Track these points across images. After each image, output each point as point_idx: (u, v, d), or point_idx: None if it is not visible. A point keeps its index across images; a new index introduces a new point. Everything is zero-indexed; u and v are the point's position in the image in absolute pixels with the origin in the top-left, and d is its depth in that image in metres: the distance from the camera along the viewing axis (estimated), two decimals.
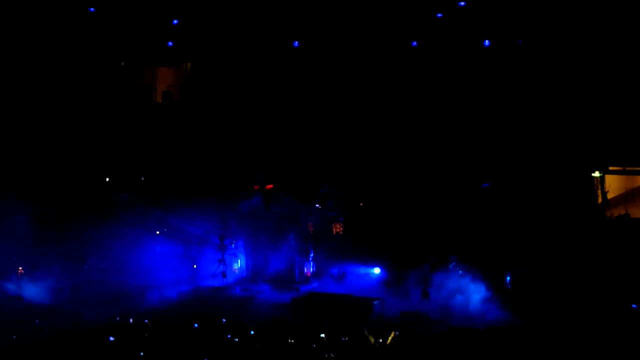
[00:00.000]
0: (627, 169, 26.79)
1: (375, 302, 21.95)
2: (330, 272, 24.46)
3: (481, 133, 26.04)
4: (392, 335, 18.82)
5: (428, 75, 27.07)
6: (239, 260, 24.52)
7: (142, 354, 17.25)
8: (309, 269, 24.34)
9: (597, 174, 25.63)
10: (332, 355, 16.95)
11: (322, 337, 18.28)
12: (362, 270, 24.91)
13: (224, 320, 20.01)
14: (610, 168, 26.21)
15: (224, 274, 23.42)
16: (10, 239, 24.96)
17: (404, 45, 27.10)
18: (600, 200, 25.46)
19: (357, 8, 26.78)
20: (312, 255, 24.40)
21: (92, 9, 27.86)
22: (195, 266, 25.19)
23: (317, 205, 26.76)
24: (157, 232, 26.61)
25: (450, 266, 22.96)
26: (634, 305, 20.18)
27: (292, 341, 17.83)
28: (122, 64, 29.61)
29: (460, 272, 22.80)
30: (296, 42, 27.66)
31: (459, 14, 26.31)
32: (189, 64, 29.58)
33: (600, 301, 20.77)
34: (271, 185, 24.29)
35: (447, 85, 26.66)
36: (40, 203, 26.89)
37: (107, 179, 26.77)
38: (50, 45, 27.85)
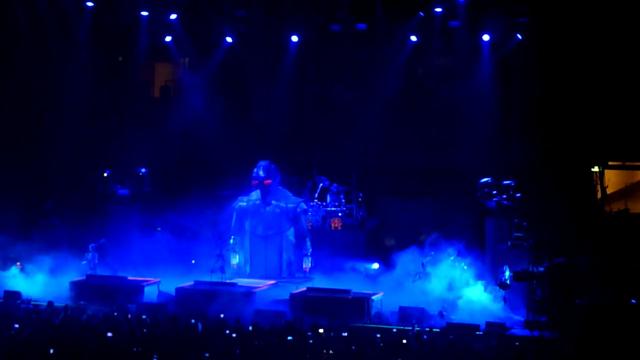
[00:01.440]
0: (626, 163, 26.80)
1: (373, 298, 21.92)
2: (327, 267, 24.51)
3: (479, 128, 26.06)
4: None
5: (426, 71, 27.10)
6: (237, 256, 24.49)
7: (140, 349, 17.17)
8: (307, 264, 24.33)
9: (596, 168, 25.60)
10: (330, 351, 16.90)
11: (321, 333, 18.22)
12: (361, 265, 24.91)
13: (222, 315, 19.96)
14: (610, 163, 26.19)
15: (222, 270, 23.38)
16: (7, 234, 24.95)
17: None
18: (599, 195, 25.42)
19: None
20: (310, 250, 24.38)
21: (89, 3, 27.85)
22: (193, 261, 25.19)
23: (316, 200, 26.75)
24: (156, 228, 26.63)
25: (450, 261, 22.96)
26: (633, 301, 20.13)
27: (291, 337, 17.76)
28: (120, 59, 29.60)
29: (460, 267, 22.80)
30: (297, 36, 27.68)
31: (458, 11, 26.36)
32: (187, 59, 29.56)
33: (599, 296, 20.74)
34: (269, 181, 24.24)
35: (445, 82, 26.69)
36: (38, 198, 26.92)
37: (105, 174, 26.73)
38: (49, 40, 27.82)
